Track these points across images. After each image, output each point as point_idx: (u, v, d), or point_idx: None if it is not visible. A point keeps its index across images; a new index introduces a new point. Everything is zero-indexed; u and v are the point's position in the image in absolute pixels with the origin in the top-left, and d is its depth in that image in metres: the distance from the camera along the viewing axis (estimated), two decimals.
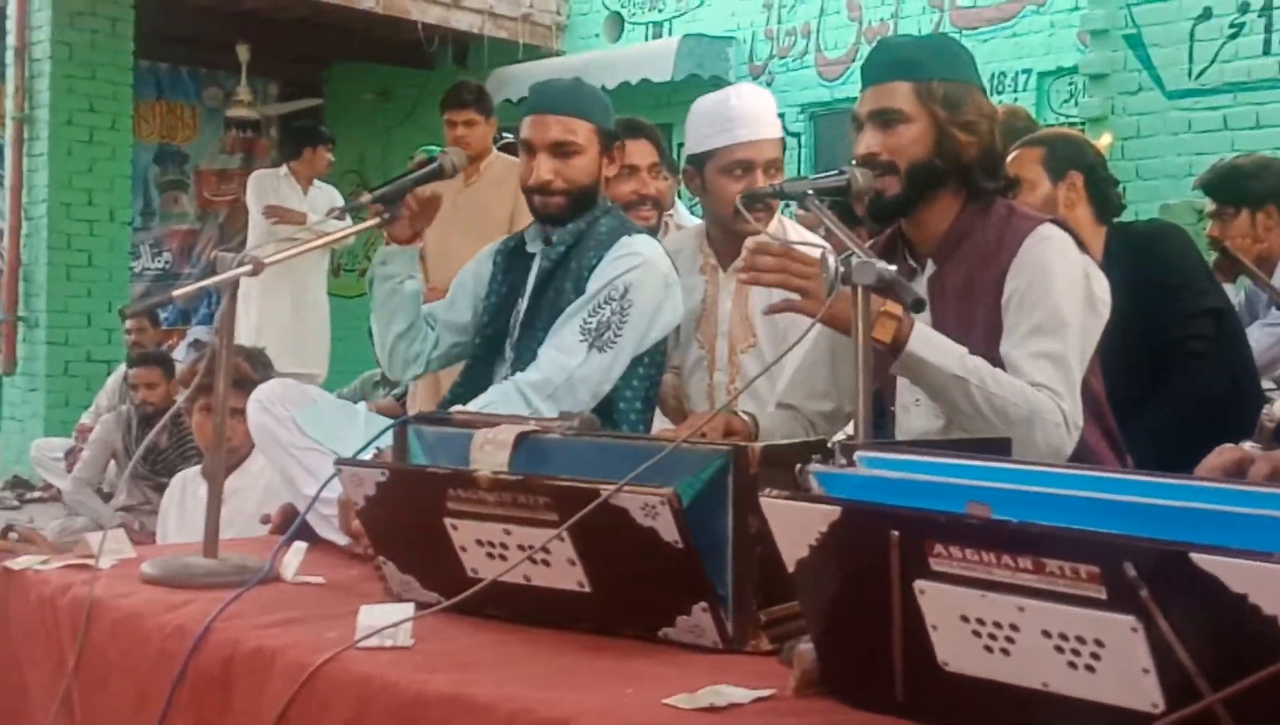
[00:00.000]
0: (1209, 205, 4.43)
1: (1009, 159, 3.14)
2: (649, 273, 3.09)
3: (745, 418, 2.81)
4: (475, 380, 3.23)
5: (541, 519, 2.18)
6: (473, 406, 2.91)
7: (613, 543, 2.12)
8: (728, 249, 3.48)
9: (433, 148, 8.91)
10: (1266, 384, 4.00)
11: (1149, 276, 3.50)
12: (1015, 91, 9.35)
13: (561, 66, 11.44)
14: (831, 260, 2.17)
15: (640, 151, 3.91)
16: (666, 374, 3.40)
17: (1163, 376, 3.51)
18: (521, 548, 2.23)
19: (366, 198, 2.99)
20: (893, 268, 2.20)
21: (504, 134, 7.74)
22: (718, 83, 10.80)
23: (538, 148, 3.14)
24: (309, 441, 2.83)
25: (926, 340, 2.38)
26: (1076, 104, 8.75)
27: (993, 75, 9.39)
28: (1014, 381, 2.44)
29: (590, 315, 3.03)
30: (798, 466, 2.12)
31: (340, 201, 8.41)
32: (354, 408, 3.08)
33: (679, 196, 5.45)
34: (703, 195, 3.53)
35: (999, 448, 2.26)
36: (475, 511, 2.23)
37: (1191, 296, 3.59)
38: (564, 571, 2.20)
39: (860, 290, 2.17)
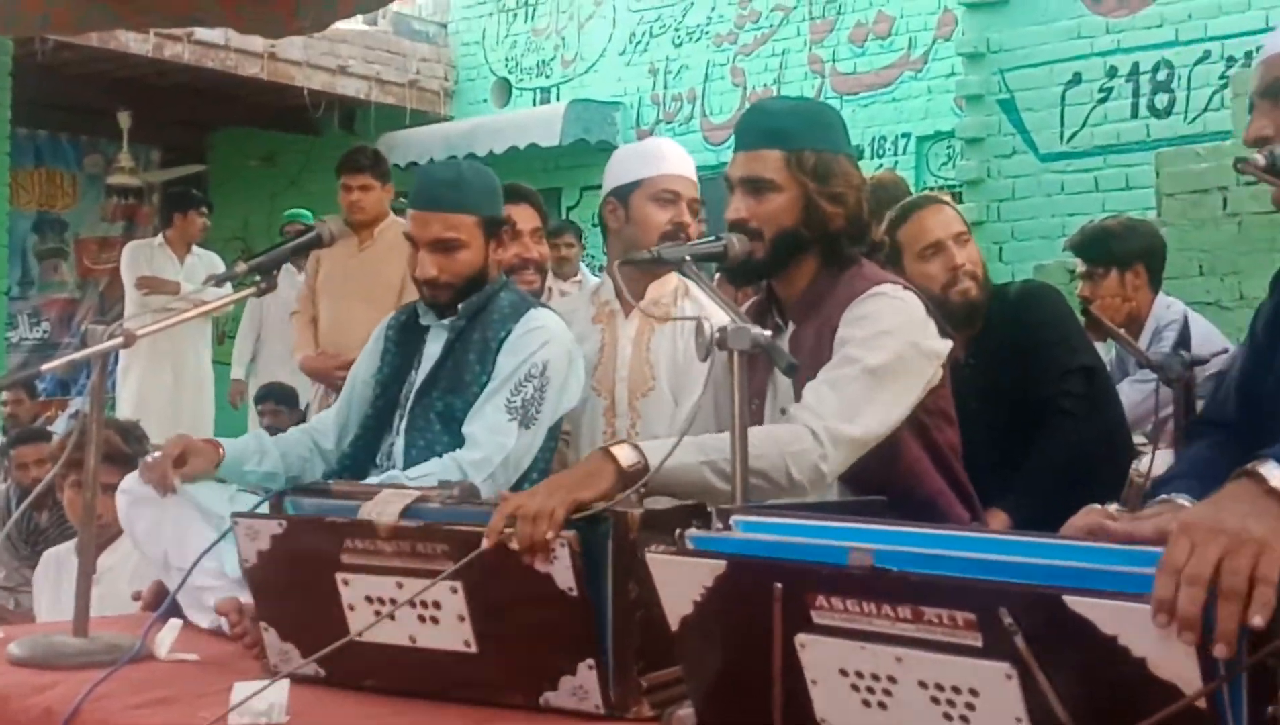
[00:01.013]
0: (1080, 265, 4.54)
1: None
2: (559, 348, 3.13)
3: None
4: (362, 452, 3.20)
5: (437, 569, 2.17)
6: (413, 473, 2.90)
7: (505, 591, 2.11)
8: (635, 288, 3.50)
9: (303, 213, 8.88)
10: (1138, 438, 4.09)
11: (1023, 335, 3.57)
12: (895, 155, 9.56)
13: (450, 132, 11.51)
14: (706, 327, 2.18)
15: (523, 216, 3.93)
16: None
17: (1038, 434, 3.57)
18: (412, 603, 2.21)
19: (243, 267, 2.95)
20: (767, 333, 2.21)
21: (400, 198, 7.75)
22: (605, 147, 10.92)
23: (420, 245, 3.16)
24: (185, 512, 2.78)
25: (660, 451, 2.29)
26: (954, 167, 8.96)
27: (873, 139, 9.61)
28: (758, 432, 2.43)
29: (514, 393, 3.04)
30: (676, 531, 2.12)
31: (221, 268, 8.31)
32: (222, 487, 3.03)
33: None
34: (623, 227, 3.53)
35: (873, 509, 2.30)
36: (370, 564, 2.22)
37: (1064, 354, 3.67)
38: (451, 630, 2.18)
39: (735, 355, 2.19)
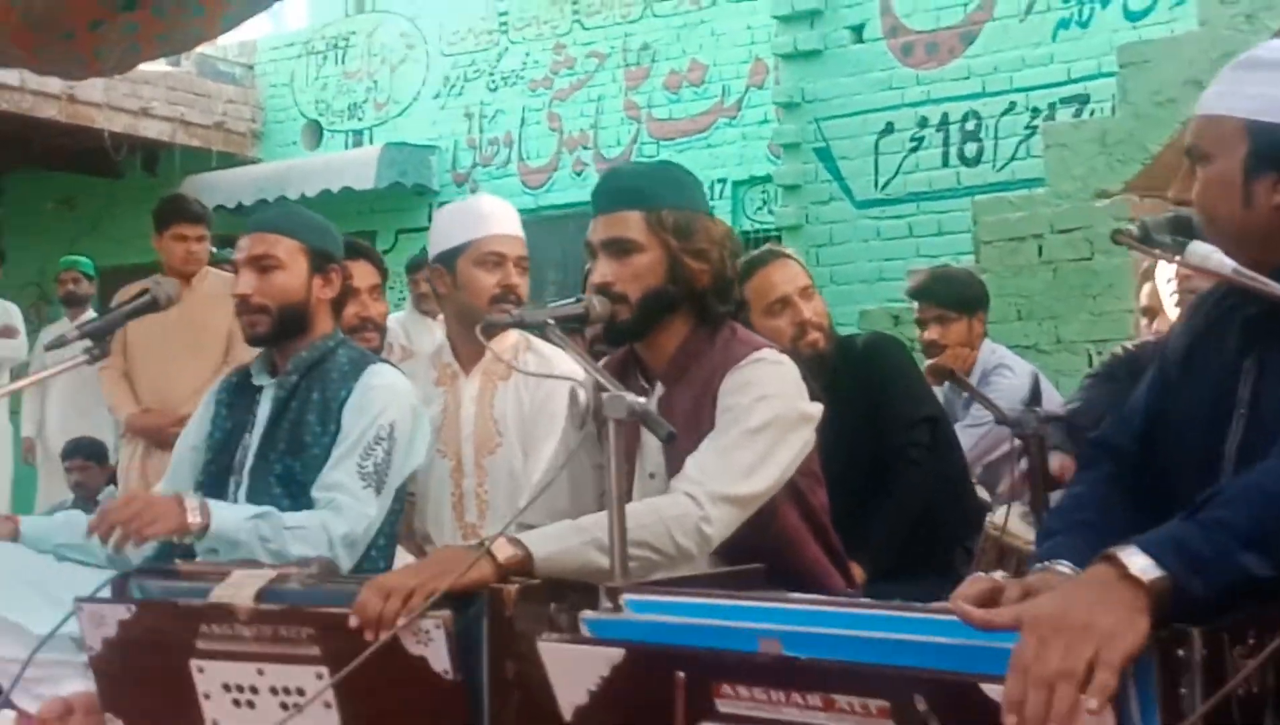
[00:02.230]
0: (921, 310, 4.61)
1: None
2: (404, 406, 3.03)
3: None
4: None
5: (301, 655, 2.09)
6: (289, 521, 2.81)
7: (376, 677, 2.03)
8: (470, 350, 3.45)
9: (82, 261, 8.47)
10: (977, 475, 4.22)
11: (870, 387, 3.64)
12: (712, 199, 9.64)
13: (259, 174, 11.25)
14: (582, 394, 2.15)
15: (361, 273, 3.85)
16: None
17: (886, 484, 3.64)
18: (274, 690, 2.13)
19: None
20: (642, 400, 2.18)
21: (225, 249, 7.52)
22: (421, 191, 10.84)
23: (239, 264, 3.09)
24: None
25: (542, 541, 2.27)
26: (770, 212, 9.13)
27: None
28: (638, 505, 2.42)
29: (364, 458, 2.93)
30: (551, 605, 2.13)
31: (16, 319, 7.94)
32: (54, 566, 2.89)
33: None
34: (451, 293, 3.48)
35: (751, 578, 2.28)
36: (228, 649, 2.13)
37: (910, 406, 3.75)
38: (316, 717, 2.10)
39: (611, 423, 2.16)
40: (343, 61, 11.72)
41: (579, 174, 10.29)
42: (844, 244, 8.24)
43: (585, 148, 10.30)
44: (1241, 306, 1.99)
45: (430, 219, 11.23)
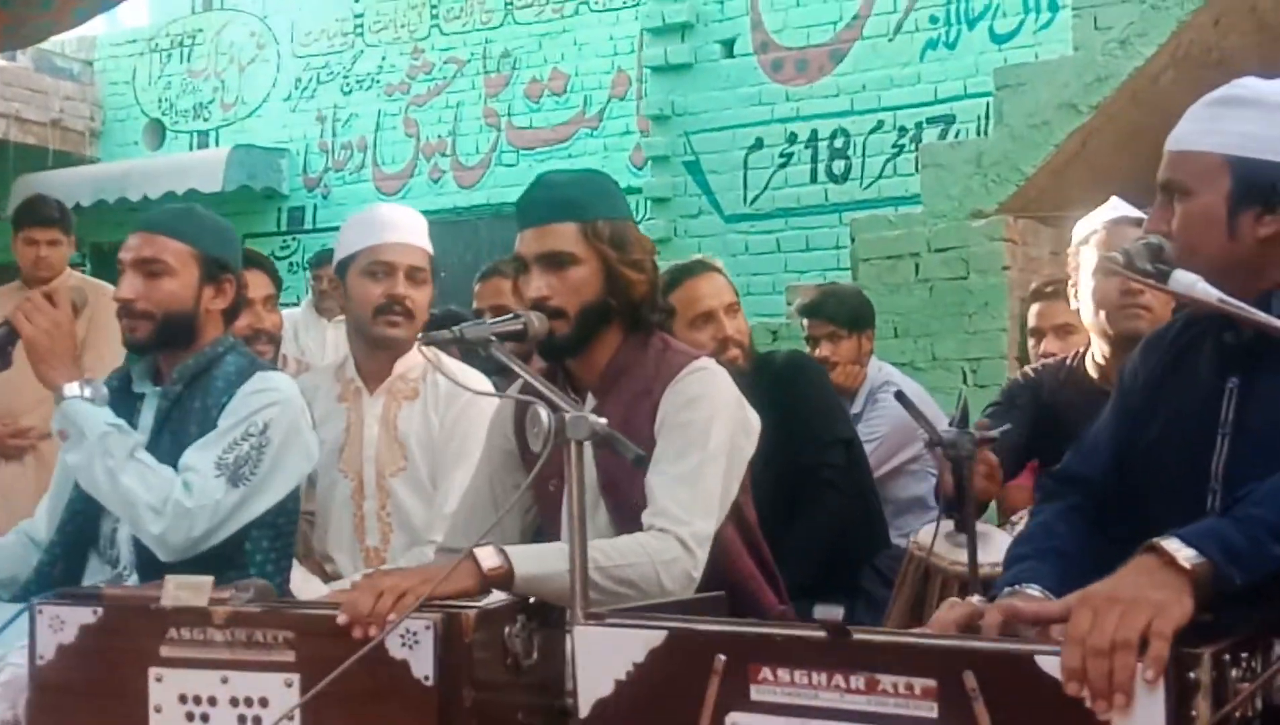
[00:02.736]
0: (811, 327, 4.61)
1: None
2: (286, 411, 2.86)
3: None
4: (76, 537, 2.89)
5: (273, 661, 2.06)
6: (142, 455, 2.72)
7: (350, 685, 1.98)
8: (372, 368, 3.34)
9: None
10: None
11: (786, 406, 3.61)
12: None
13: (98, 174, 10.87)
14: (544, 414, 2.08)
15: (256, 283, 3.71)
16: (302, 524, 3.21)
17: (801, 502, 3.63)
18: (234, 700, 2.08)
19: None
20: (604, 421, 2.12)
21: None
22: (270, 194, 10.59)
23: (125, 265, 2.91)
24: None
25: (526, 560, 2.25)
26: (639, 225, 9.11)
27: None
28: (627, 542, 2.40)
29: (227, 450, 2.77)
30: (506, 629, 2.12)
31: None
32: None
33: None
34: (346, 305, 3.38)
35: (716, 605, 2.26)
36: (194, 656, 2.09)
37: (825, 426, 3.76)
38: None
39: (575, 445, 2.09)
40: (188, 60, 11.41)
41: (436, 181, 10.20)
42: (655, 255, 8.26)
43: (443, 155, 10.19)
44: (1213, 334, 2.08)
45: (280, 223, 11.09)
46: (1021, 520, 3.10)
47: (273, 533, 2.89)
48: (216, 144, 11.08)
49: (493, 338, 2.39)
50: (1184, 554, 1.67)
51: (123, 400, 2.94)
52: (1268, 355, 2.00)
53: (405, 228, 3.34)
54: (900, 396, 2.91)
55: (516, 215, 2.68)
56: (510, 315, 2.56)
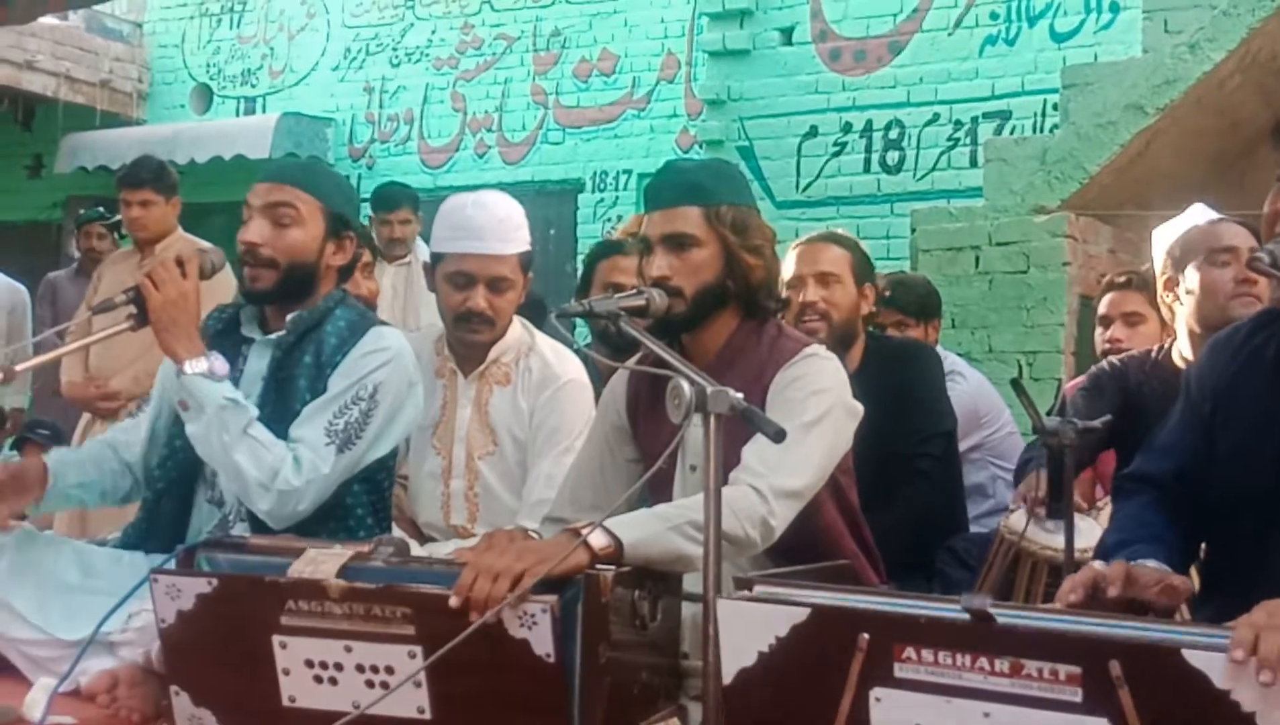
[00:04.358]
0: (881, 315, 4.63)
1: None
2: (397, 370, 2.88)
3: (534, 533, 2.75)
4: (181, 470, 2.90)
5: (393, 634, 2.07)
6: (255, 431, 2.73)
7: (473, 657, 2.02)
8: (465, 353, 3.36)
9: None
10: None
11: (897, 390, 3.66)
12: (616, 190, 9.68)
13: (144, 136, 10.89)
14: (686, 387, 2.12)
15: None
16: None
17: (896, 487, 3.66)
18: (360, 668, 2.10)
19: (121, 298, 2.75)
20: (740, 395, 2.16)
21: (99, 208, 7.21)
22: (315, 162, 10.58)
23: (254, 210, 2.89)
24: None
25: (627, 528, 2.28)
26: None
27: (595, 174, 9.71)
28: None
29: (337, 415, 2.79)
30: (635, 592, 2.18)
31: None
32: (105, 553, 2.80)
33: None
34: (437, 296, 3.40)
35: (844, 573, 2.37)
36: (315, 626, 2.10)
37: (930, 418, 3.79)
38: (405, 695, 2.08)
39: (712, 418, 2.13)
40: (238, 25, 11.42)
41: (481, 156, 10.20)
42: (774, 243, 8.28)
43: (489, 130, 10.20)
44: None
45: None
46: (1107, 507, 3.15)
47: (371, 488, 2.92)
48: (263, 111, 11.10)
49: (621, 312, 2.46)
50: None
51: (227, 341, 2.94)
52: None
53: (491, 234, 3.26)
54: (1015, 384, 2.96)
55: (645, 198, 2.77)
56: (633, 291, 2.64)
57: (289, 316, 2.88)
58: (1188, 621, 2.03)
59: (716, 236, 2.65)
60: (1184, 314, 3.27)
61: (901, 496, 3.65)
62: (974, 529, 4.18)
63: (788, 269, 3.73)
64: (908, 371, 3.80)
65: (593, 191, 9.69)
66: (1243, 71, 6.02)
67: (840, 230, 4.02)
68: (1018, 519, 3.23)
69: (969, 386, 4.71)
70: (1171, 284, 3.30)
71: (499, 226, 3.29)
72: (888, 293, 4.65)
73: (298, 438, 2.76)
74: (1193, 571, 2.42)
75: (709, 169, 2.82)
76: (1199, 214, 3.50)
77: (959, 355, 5.47)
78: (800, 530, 2.55)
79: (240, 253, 2.88)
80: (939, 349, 4.87)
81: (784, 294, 3.71)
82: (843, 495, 2.81)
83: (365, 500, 2.91)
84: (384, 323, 3.07)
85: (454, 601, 2.05)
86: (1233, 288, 3.12)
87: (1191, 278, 3.22)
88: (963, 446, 4.54)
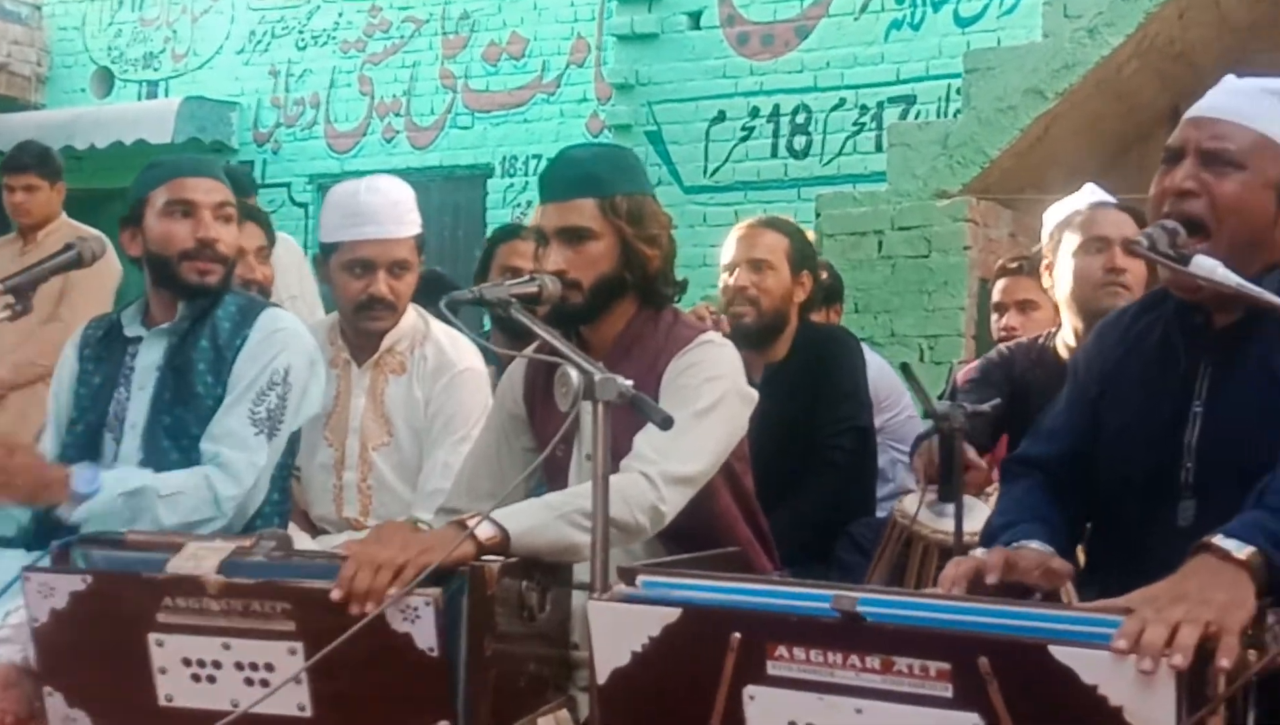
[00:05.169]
0: None
1: None
2: (299, 349, 2.93)
3: (425, 525, 2.72)
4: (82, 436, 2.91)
5: (273, 630, 2.05)
6: (163, 487, 2.69)
7: (354, 654, 2.00)
8: (359, 342, 3.32)
9: None
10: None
11: (818, 379, 3.67)
12: (526, 175, 9.62)
13: (44, 121, 10.65)
14: (574, 374, 2.11)
15: (249, 235, 3.71)
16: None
17: (804, 476, 3.66)
18: (239, 665, 2.09)
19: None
20: (629, 383, 2.16)
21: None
22: (219, 148, 10.44)
23: (208, 208, 2.92)
24: None
25: (514, 518, 2.26)
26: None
27: (504, 158, 9.65)
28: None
29: (257, 403, 2.82)
30: (523, 583, 2.16)
31: None
32: None
33: None
34: (330, 286, 3.36)
35: (732, 561, 2.38)
36: (193, 623, 2.08)
37: (849, 410, 3.78)
38: (285, 692, 2.06)
39: (601, 405, 2.13)
40: (140, 8, 11.20)
41: (389, 141, 10.11)
42: (672, 229, 8.28)
43: (397, 115, 10.10)
44: (1178, 317, 2.21)
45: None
46: (995, 492, 3.18)
47: (278, 478, 2.93)
48: (166, 95, 10.90)
49: (512, 299, 2.43)
50: (1234, 546, 1.77)
51: (110, 346, 2.96)
52: (1240, 338, 2.13)
53: (387, 218, 3.24)
54: (905, 368, 2.97)
55: (539, 189, 2.74)
56: (526, 277, 2.63)
57: (178, 306, 2.90)
58: (1070, 605, 2.03)
59: (612, 228, 2.63)
60: (1061, 298, 3.31)
61: (809, 486, 3.66)
62: (878, 513, 4.20)
63: (726, 253, 3.75)
64: (831, 361, 3.81)
65: (502, 176, 9.63)
66: (1140, 56, 6.11)
67: (784, 216, 4.01)
68: (910, 502, 3.26)
69: (870, 371, 4.73)
70: (1052, 267, 3.34)
71: (394, 210, 3.28)
72: None
73: (219, 436, 2.80)
74: (1079, 551, 2.46)
75: (604, 158, 2.78)
76: (1089, 195, 3.52)
77: (862, 340, 5.50)
78: (694, 516, 2.55)
79: (195, 249, 2.89)
80: None
81: (721, 280, 3.76)
82: (737, 482, 2.81)
83: (275, 498, 2.92)
84: (276, 306, 3.12)
85: (335, 595, 2.03)
86: (1101, 276, 3.16)
87: (1065, 264, 3.25)
88: None
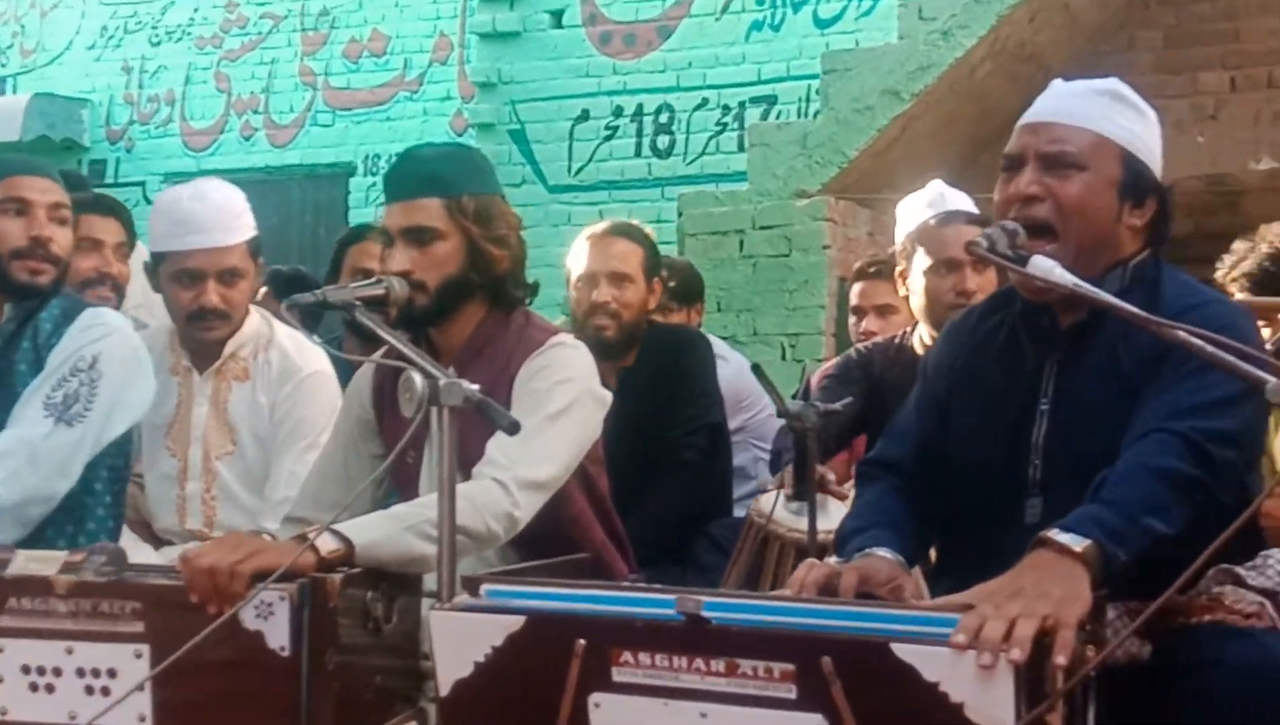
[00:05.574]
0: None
1: None
2: (119, 343, 2.85)
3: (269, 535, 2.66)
4: None
5: (120, 633, 2.03)
6: None
7: (203, 656, 1.97)
8: (200, 349, 3.24)
9: None
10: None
11: (669, 379, 3.66)
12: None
13: None
14: (418, 379, 2.08)
15: (107, 229, 3.60)
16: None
17: (658, 477, 3.65)
18: (80, 672, 2.05)
19: None
20: (476, 387, 2.13)
21: None
22: (70, 146, 10.17)
23: (36, 205, 2.87)
24: None
25: (359, 530, 2.23)
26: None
27: (367, 156, 9.53)
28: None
29: (55, 388, 2.75)
30: (368, 594, 2.14)
31: None
32: None
33: None
34: (163, 296, 3.27)
35: (581, 567, 2.35)
36: (36, 627, 2.05)
37: (699, 409, 3.77)
38: (125, 702, 2.01)
39: (445, 411, 2.09)
40: None
41: (247, 139, 9.95)
42: (535, 228, 8.20)
43: (255, 112, 9.93)
44: (1023, 318, 2.23)
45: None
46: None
47: (110, 482, 2.86)
48: (14, 91, 10.59)
49: (357, 302, 2.39)
50: (1070, 540, 1.80)
51: None
52: (1085, 336, 2.16)
53: (214, 227, 3.14)
54: (756, 369, 2.97)
55: (384, 188, 2.72)
56: (372, 279, 2.59)
57: (9, 307, 2.85)
58: (911, 604, 2.04)
59: (459, 228, 2.60)
60: (915, 308, 3.36)
61: (662, 486, 3.66)
62: (738, 513, 4.21)
63: (579, 261, 3.70)
64: (680, 361, 3.80)
65: (365, 175, 9.52)
66: (993, 58, 6.22)
67: (633, 221, 3.98)
68: (766, 501, 3.26)
69: (731, 370, 4.73)
70: (906, 275, 3.38)
71: (220, 216, 3.18)
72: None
73: (14, 421, 2.72)
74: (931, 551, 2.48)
75: (450, 157, 2.75)
76: (937, 191, 3.55)
77: (724, 338, 5.53)
78: (548, 521, 2.53)
79: (28, 247, 2.84)
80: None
81: (575, 289, 3.71)
82: (592, 485, 2.80)
83: (108, 501, 2.85)
84: (102, 307, 3.06)
85: (195, 597, 2.01)
86: (952, 299, 3.21)
87: (918, 280, 3.31)
88: None
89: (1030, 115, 2.21)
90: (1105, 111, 2.16)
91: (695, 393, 3.79)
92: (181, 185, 3.33)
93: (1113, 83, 2.22)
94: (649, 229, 3.91)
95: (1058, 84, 2.27)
